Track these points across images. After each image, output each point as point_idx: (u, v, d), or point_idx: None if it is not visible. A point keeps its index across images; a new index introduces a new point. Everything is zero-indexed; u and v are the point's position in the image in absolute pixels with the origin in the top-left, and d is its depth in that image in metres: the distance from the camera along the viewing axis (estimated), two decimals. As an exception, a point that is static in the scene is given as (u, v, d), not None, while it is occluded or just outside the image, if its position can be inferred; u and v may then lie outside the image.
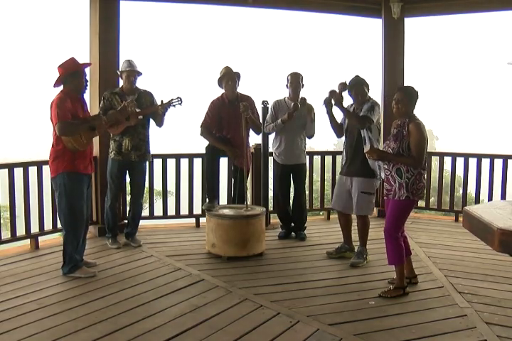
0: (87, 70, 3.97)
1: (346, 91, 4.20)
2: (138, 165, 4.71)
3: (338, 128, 4.39)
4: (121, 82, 4.74)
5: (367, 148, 3.54)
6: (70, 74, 3.75)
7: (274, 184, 5.28)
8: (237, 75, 4.82)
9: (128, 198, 5.18)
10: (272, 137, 5.16)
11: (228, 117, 4.80)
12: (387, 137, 3.66)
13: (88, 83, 3.94)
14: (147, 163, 4.86)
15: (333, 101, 4.18)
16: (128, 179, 4.85)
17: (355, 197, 4.20)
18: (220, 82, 4.82)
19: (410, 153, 3.42)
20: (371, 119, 4.09)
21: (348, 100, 4.30)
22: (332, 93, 4.18)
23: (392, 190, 3.51)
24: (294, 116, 4.75)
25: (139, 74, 4.66)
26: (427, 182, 6.33)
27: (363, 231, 4.29)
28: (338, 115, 4.37)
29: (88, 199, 4.01)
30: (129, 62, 4.59)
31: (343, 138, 4.43)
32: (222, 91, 4.88)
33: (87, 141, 3.83)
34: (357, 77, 4.25)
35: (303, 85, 4.95)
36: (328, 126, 4.44)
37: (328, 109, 4.28)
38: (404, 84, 5.76)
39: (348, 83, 4.20)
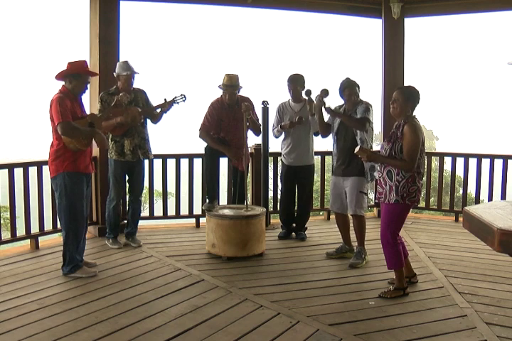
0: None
1: (324, 108, 4.25)
2: (138, 163, 4.72)
3: (324, 128, 4.40)
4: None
5: (357, 148, 3.46)
6: (74, 75, 3.75)
7: (281, 185, 5.29)
8: (239, 89, 4.75)
9: (127, 198, 5.17)
10: (271, 137, 5.18)
11: (228, 120, 4.78)
12: (385, 138, 3.64)
13: (87, 90, 3.94)
14: (146, 161, 4.86)
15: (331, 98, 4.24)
16: (127, 178, 4.84)
17: (353, 196, 4.20)
18: (220, 87, 4.76)
19: (403, 156, 3.34)
20: (370, 120, 4.14)
21: (331, 103, 4.35)
22: (325, 91, 4.26)
23: (383, 193, 3.47)
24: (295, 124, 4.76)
25: (136, 73, 4.66)
26: (427, 182, 6.38)
27: (360, 232, 4.29)
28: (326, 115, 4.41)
29: (88, 199, 4.01)
30: (127, 65, 4.55)
31: (334, 139, 4.41)
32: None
33: (88, 140, 3.84)
34: (348, 78, 4.27)
35: (303, 87, 4.94)
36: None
37: (318, 108, 4.29)
38: (405, 84, 5.76)
39: (328, 91, 4.26)
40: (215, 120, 4.79)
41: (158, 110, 4.69)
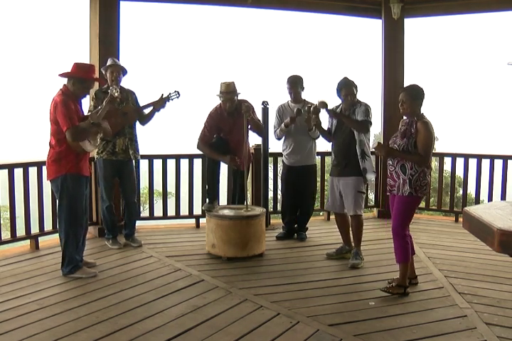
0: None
1: (325, 110, 4.26)
2: (129, 164, 4.72)
3: (327, 135, 4.46)
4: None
5: (375, 143, 3.58)
6: (81, 79, 3.74)
7: (281, 186, 5.29)
8: (237, 95, 4.73)
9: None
10: (271, 138, 5.18)
11: (228, 128, 4.76)
12: (394, 134, 3.68)
13: (88, 95, 3.96)
14: (135, 162, 4.84)
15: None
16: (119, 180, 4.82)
17: (352, 196, 4.19)
18: (219, 97, 4.74)
19: (417, 151, 3.46)
20: (371, 122, 4.17)
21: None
22: (315, 110, 4.28)
23: (395, 186, 3.56)
24: (296, 121, 4.76)
25: (124, 72, 4.65)
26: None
27: (357, 231, 4.29)
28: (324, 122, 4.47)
29: (87, 200, 4.01)
30: (113, 60, 4.60)
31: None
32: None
33: (94, 142, 3.85)
34: (345, 78, 4.27)
35: (303, 88, 4.94)
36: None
37: (318, 127, 4.41)
38: (405, 85, 5.76)
39: (325, 102, 4.24)
40: (215, 130, 4.77)
41: (151, 108, 4.67)
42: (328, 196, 4.53)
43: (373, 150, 3.77)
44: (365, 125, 4.14)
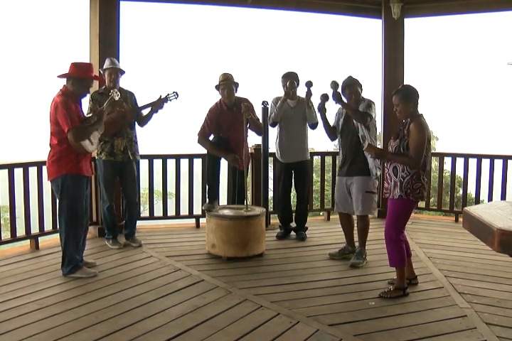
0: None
1: (339, 88, 4.21)
2: (129, 164, 4.72)
3: (331, 131, 4.43)
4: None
5: (366, 145, 3.55)
6: (79, 78, 3.73)
7: (274, 183, 5.26)
8: (236, 85, 4.77)
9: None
10: (272, 137, 5.17)
11: (228, 124, 4.76)
12: (392, 136, 3.65)
13: (88, 94, 3.96)
14: (134, 162, 4.83)
15: (329, 103, 4.24)
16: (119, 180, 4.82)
17: (360, 197, 4.17)
18: (217, 88, 4.79)
19: (409, 153, 3.40)
20: (371, 115, 4.14)
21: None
22: (324, 96, 4.26)
23: (388, 189, 3.52)
24: (291, 114, 4.74)
25: (122, 72, 4.65)
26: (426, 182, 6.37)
27: (363, 232, 4.28)
28: (330, 119, 4.45)
29: (87, 201, 4.01)
30: (111, 60, 4.58)
31: (339, 139, 4.42)
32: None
33: (95, 142, 3.86)
34: (350, 77, 4.27)
35: (298, 84, 4.91)
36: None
37: (322, 114, 4.37)
38: (404, 84, 5.76)
39: (338, 82, 4.20)
40: (214, 125, 4.78)
41: (149, 109, 4.67)
42: (335, 197, 4.48)
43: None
44: (364, 116, 4.11)
